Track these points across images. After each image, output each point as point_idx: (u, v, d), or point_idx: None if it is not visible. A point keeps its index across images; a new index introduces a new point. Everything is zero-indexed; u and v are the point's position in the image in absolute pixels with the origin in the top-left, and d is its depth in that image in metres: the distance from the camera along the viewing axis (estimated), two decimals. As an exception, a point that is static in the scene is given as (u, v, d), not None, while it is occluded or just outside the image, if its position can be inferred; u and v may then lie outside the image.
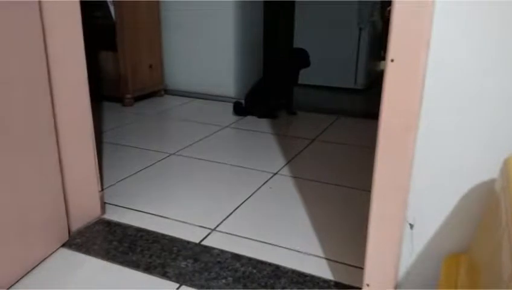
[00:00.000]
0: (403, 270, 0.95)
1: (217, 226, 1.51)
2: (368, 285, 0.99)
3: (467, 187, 0.83)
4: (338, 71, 3.54)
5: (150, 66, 3.16)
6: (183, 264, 1.29)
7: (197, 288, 1.19)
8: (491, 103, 0.79)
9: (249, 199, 1.71)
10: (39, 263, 1.28)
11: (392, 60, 0.82)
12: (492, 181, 0.79)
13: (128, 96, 3.02)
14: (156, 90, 3.28)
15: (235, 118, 2.80)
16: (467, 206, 0.84)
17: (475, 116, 0.80)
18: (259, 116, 2.80)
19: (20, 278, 1.21)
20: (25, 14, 1.16)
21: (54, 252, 1.33)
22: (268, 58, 3.48)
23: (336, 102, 3.31)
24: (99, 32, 2.89)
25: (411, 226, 0.91)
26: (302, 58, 2.79)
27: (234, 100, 3.05)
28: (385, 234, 0.93)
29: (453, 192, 0.85)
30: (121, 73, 2.95)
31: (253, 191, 1.77)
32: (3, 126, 1.11)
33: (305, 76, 3.41)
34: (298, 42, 3.47)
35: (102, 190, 1.58)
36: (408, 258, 0.94)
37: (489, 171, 0.79)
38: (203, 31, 3.14)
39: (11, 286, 1.17)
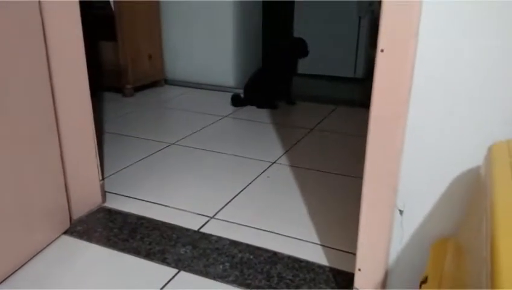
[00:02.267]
0: (393, 255, 0.98)
1: (216, 214, 1.54)
2: (359, 270, 1.02)
3: (454, 174, 0.86)
4: (338, 61, 3.54)
5: (150, 57, 3.17)
6: (182, 250, 1.33)
7: (196, 274, 1.23)
8: (476, 92, 0.81)
9: (247, 187, 1.74)
10: (41, 250, 1.31)
11: (382, 50, 0.84)
12: (478, 168, 0.81)
13: (128, 86, 3.04)
14: (156, 80, 3.30)
15: (234, 108, 2.82)
16: (454, 192, 0.87)
17: (462, 105, 0.82)
18: (259, 106, 2.82)
19: (23, 264, 1.24)
20: (24, 8, 1.17)
21: (55, 239, 1.37)
22: (267, 48, 3.49)
23: (335, 91, 3.33)
24: (98, 23, 2.90)
25: (401, 212, 0.94)
26: (300, 48, 2.80)
27: (234, 90, 3.07)
28: (376, 220, 0.95)
29: (441, 179, 0.87)
30: (121, 63, 2.97)
31: (251, 180, 1.80)
32: (6, 117, 1.14)
33: (304, 66, 3.43)
34: (298, 32, 3.47)
35: (103, 178, 1.61)
36: (398, 243, 0.97)
37: (476, 158, 0.81)
38: (203, 21, 3.15)
39: (14, 272, 1.21)
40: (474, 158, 0.82)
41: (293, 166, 1.95)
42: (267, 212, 1.56)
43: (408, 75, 0.83)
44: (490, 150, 0.73)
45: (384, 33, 0.83)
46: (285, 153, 2.10)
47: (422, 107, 0.85)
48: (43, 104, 1.28)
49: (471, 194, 0.82)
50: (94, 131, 1.50)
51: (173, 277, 1.21)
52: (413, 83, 0.84)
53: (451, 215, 0.88)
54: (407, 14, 0.80)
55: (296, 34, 3.42)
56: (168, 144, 2.20)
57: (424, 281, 0.79)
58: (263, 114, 2.72)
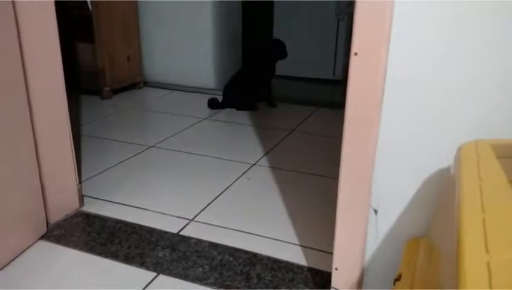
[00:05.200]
0: (369, 254, 1.00)
1: (195, 216, 1.54)
2: (336, 269, 1.04)
3: (426, 174, 0.88)
4: (317, 63, 3.58)
5: (128, 58, 3.14)
6: (161, 254, 1.32)
7: (175, 277, 1.22)
8: (448, 95, 0.83)
9: (227, 189, 1.75)
10: (17, 256, 1.29)
11: (355, 54, 0.86)
12: (449, 168, 0.84)
13: (107, 88, 3.00)
14: (135, 82, 3.27)
15: (213, 110, 2.82)
16: (426, 192, 0.89)
17: (432, 108, 0.85)
18: (238, 109, 2.82)
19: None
20: (-3, 8, 1.15)
21: (32, 244, 1.35)
22: (247, 50, 3.50)
23: (314, 93, 3.36)
24: (76, 24, 2.86)
25: (375, 212, 0.96)
26: (278, 49, 2.81)
27: (214, 92, 3.07)
28: (351, 220, 0.97)
29: (414, 179, 0.90)
30: (99, 65, 2.93)
31: (231, 182, 1.81)
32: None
33: (284, 68, 3.44)
34: (277, 33, 3.49)
35: (80, 182, 1.59)
36: (373, 242, 0.99)
37: (447, 159, 0.83)
38: (182, 22, 3.14)
39: (-11, 279, 1.19)
40: (445, 159, 0.84)
41: (273, 167, 1.96)
42: (246, 214, 1.57)
43: (381, 79, 0.85)
44: (459, 150, 0.75)
45: (357, 37, 0.85)
46: (265, 154, 2.11)
47: (394, 109, 0.87)
48: (18, 106, 1.26)
49: (441, 193, 0.84)
50: (71, 134, 1.48)
51: (152, 280, 1.21)
52: (386, 86, 0.86)
53: (424, 215, 0.90)
54: (380, 18, 0.82)
55: (275, 36, 3.44)
56: (147, 147, 2.18)
57: (397, 279, 0.81)
58: (243, 116, 2.72)
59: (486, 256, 0.46)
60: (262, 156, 2.08)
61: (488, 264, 0.45)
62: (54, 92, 1.40)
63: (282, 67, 3.08)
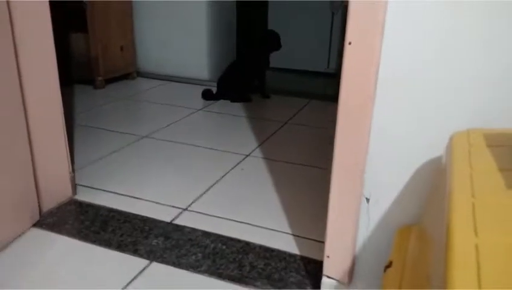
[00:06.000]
0: (360, 242, 1.01)
1: (189, 205, 1.55)
2: (328, 257, 1.05)
3: (418, 164, 0.89)
4: (311, 55, 3.58)
5: (121, 48, 3.12)
6: (154, 242, 1.33)
7: (168, 264, 1.23)
8: (440, 85, 0.84)
9: (221, 180, 1.75)
10: (10, 243, 1.29)
11: (349, 43, 0.87)
12: (440, 157, 0.85)
13: (100, 78, 2.98)
14: (128, 72, 3.25)
15: (207, 102, 2.82)
16: (418, 181, 0.90)
17: (426, 98, 0.86)
18: (232, 100, 2.82)
19: (-9, 258, 1.22)
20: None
21: (25, 232, 1.34)
22: (241, 41, 3.49)
23: (308, 85, 3.37)
24: (69, 14, 2.83)
25: (367, 200, 0.97)
26: (273, 41, 2.81)
27: (208, 83, 3.06)
28: (343, 208, 0.98)
29: (406, 168, 0.91)
30: (92, 55, 2.91)
31: (225, 173, 1.81)
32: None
33: (279, 60, 3.45)
34: (272, 25, 3.48)
35: (73, 171, 1.59)
36: (365, 230, 1.00)
37: (439, 148, 0.84)
38: (176, 12, 3.12)
39: (-19, 266, 1.18)
40: (436, 149, 0.85)
41: (267, 158, 1.97)
42: (240, 204, 1.58)
43: (374, 68, 0.86)
44: (451, 139, 0.76)
45: (351, 26, 0.85)
46: (259, 146, 2.11)
47: (387, 99, 0.88)
48: (10, 94, 1.25)
49: (433, 182, 0.86)
50: (64, 122, 1.48)
51: (145, 267, 1.21)
52: (379, 76, 0.87)
53: (416, 203, 0.91)
54: (373, 8, 0.82)
55: (270, 28, 3.43)
56: (140, 137, 2.18)
57: (388, 266, 0.82)
58: (237, 108, 2.72)
59: (475, 239, 0.47)
60: (256, 147, 2.09)
61: (476, 246, 0.46)
62: (46, 80, 1.39)
63: (276, 60, 3.08)
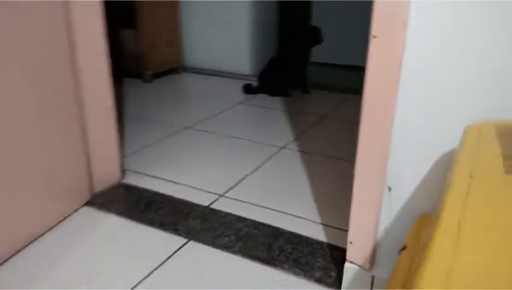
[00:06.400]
0: (381, 229, 1.07)
1: (225, 192, 1.65)
2: (351, 243, 1.11)
3: (438, 154, 0.93)
4: (354, 49, 3.58)
5: (169, 44, 3.28)
6: (192, 223, 1.44)
7: (204, 244, 1.34)
8: (463, 76, 0.88)
9: (257, 170, 1.84)
10: (63, 219, 1.44)
11: (374, 37, 0.92)
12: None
13: (148, 72, 3.16)
14: (174, 67, 3.42)
15: (248, 95, 2.91)
16: (437, 171, 0.94)
17: (446, 91, 0.90)
18: (272, 94, 2.89)
19: (48, 230, 1.38)
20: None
21: (77, 209, 1.50)
22: (284, 36, 3.55)
23: (348, 80, 3.38)
24: (120, 11, 3.02)
25: (389, 189, 1.02)
26: (313, 35, 2.84)
27: (249, 78, 3.15)
28: (366, 196, 1.04)
29: (427, 158, 0.95)
30: (141, 50, 3.09)
31: (261, 163, 1.90)
32: (35, 94, 1.27)
33: (320, 54, 3.49)
34: (315, 21, 3.52)
35: (122, 157, 1.73)
36: (386, 218, 1.05)
37: (458, 140, 0.88)
38: (220, 9, 3.23)
39: (36, 238, 1.34)
40: (456, 140, 0.89)
41: (302, 151, 2.04)
42: (273, 192, 1.66)
43: (398, 60, 0.91)
44: (465, 131, 0.81)
45: (376, 20, 0.90)
46: (295, 139, 2.18)
47: (409, 90, 0.93)
48: (68, 84, 1.40)
49: (447, 170, 0.90)
50: (115, 111, 1.62)
51: (183, 245, 1.33)
52: (402, 69, 0.92)
53: (435, 192, 0.95)
54: (397, 4, 0.87)
55: (314, 23, 3.47)
56: (184, 128, 2.31)
57: (403, 249, 0.88)
58: (276, 102, 2.80)
59: (460, 215, 0.53)
60: (292, 140, 2.16)
61: (459, 222, 0.51)
62: (99, 73, 1.53)
63: (318, 54, 3.12)
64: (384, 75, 0.93)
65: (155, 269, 1.22)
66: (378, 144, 0.99)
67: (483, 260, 0.46)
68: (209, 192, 1.65)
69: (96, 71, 1.52)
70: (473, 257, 0.47)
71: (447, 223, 0.52)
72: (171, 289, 1.16)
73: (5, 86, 1.17)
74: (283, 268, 1.24)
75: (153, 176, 1.76)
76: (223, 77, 3.36)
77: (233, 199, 1.61)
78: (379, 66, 0.93)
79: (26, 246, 1.30)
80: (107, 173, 1.65)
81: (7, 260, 1.24)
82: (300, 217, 1.50)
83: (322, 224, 1.46)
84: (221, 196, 1.63)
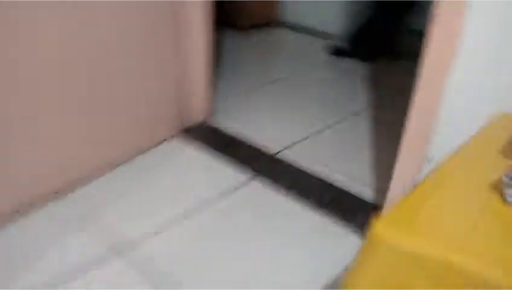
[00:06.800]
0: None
1: (294, 144, 1.85)
2: (387, 203, 1.26)
3: (474, 132, 1.03)
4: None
5: (267, -1, 3.44)
6: (258, 166, 1.68)
7: (265, 184, 1.58)
8: (509, 66, 0.95)
9: (326, 130, 2.00)
10: (155, 146, 1.76)
11: (437, 15, 1.00)
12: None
13: (244, 23, 3.37)
14: (270, 21, 3.58)
15: (335, 57, 2.99)
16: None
17: (488, 78, 0.97)
18: (362, 59, 2.92)
19: (144, 152, 1.71)
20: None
21: (166, 140, 1.81)
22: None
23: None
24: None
25: (429, 161, 1.13)
26: (406, 1, 2.76)
27: (340, 39, 3.20)
28: (408, 164, 1.17)
29: (464, 135, 1.05)
30: (239, 3, 3.29)
31: (330, 124, 2.05)
32: (143, 41, 1.55)
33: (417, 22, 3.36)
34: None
35: (211, 102, 2.00)
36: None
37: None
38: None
39: (136, 156, 1.68)
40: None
41: (375, 118, 2.14)
42: (336, 152, 1.83)
43: (457, 37, 0.99)
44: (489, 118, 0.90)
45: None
46: (370, 106, 2.28)
47: (464, 66, 1.01)
48: (169, 30, 1.65)
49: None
50: (211, 57, 1.86)
51: (249, 181, 1.58)
52: (462, 43, 1.00)
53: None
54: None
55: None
56: (270, 81, 2.51)
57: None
58: (362, 67, 2.85)
59: (433, 191, 0.67)
60: (366, 107, 2.26)
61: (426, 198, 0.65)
62: (197, 18, 1.73)
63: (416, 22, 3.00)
64: (443, 51, 1.02)
65: (223, 197, 1.49)
66: (427, 115, 1.11)
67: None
68: (278, 141, 1.86)
69: (195, 16, 1.72)
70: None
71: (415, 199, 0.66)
72: (233, 216, 1.42)
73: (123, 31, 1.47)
74: (330, 216, 1.43)
75: (235, 121, 2.01)
76: (316, 36, 3.44)
77: (298, 151, 1.81)
78: (440, 40, 1.01)
79: (130, 159, 1.65)
80: (195, 112, 1.93)
81: (116, 167, 1.61)
82: (352, 176, 1.65)
83: (371, 185, 1.60)
84: (288, 147, 1.83)
